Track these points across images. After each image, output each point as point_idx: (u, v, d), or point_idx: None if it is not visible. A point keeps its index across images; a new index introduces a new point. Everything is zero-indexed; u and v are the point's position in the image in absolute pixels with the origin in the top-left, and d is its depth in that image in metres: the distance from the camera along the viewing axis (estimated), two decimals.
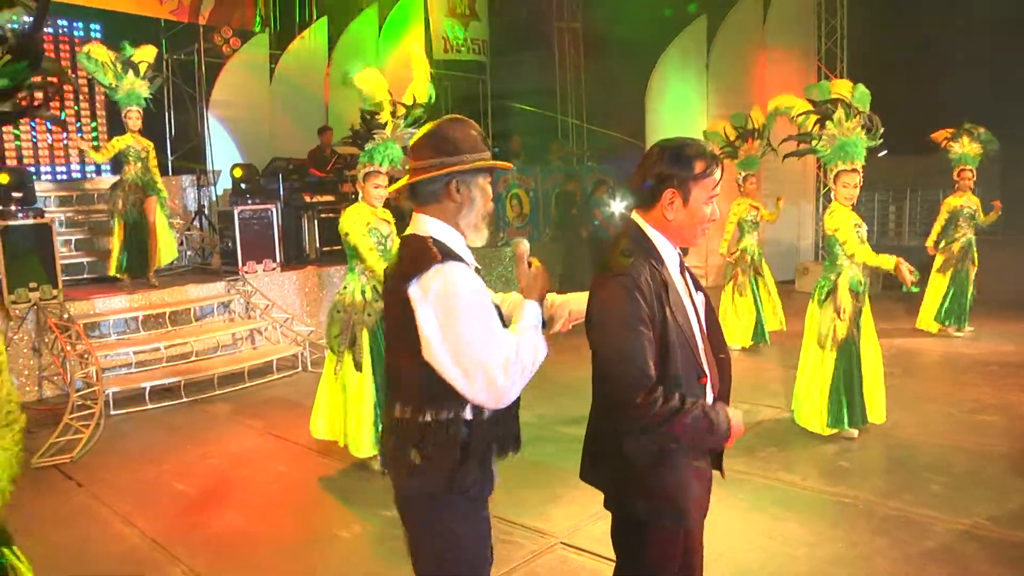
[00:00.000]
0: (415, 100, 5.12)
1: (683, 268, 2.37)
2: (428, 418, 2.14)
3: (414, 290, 2.09)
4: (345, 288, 5.02)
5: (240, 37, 11.26)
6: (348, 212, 4.97)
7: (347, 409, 4.99)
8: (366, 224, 4.89)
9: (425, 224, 2.22)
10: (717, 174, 2.26)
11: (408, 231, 2.27)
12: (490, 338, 2.07)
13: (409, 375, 2.16)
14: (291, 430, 5.96)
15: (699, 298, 2.39)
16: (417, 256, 2.13)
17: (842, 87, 5.46)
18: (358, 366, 4.91)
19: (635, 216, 2.33)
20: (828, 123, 5.27)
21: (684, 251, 2.49)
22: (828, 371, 5.32)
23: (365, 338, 4.91)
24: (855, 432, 5.36)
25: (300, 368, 7.89)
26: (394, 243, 5.14)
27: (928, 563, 3.63)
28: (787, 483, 4.46)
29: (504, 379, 2.04)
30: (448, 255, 2.12)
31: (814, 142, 5.36)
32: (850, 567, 3.61)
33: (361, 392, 4.91)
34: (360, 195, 5.04)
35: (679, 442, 2.21)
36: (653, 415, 2.11)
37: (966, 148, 8.46)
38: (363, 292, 4.96)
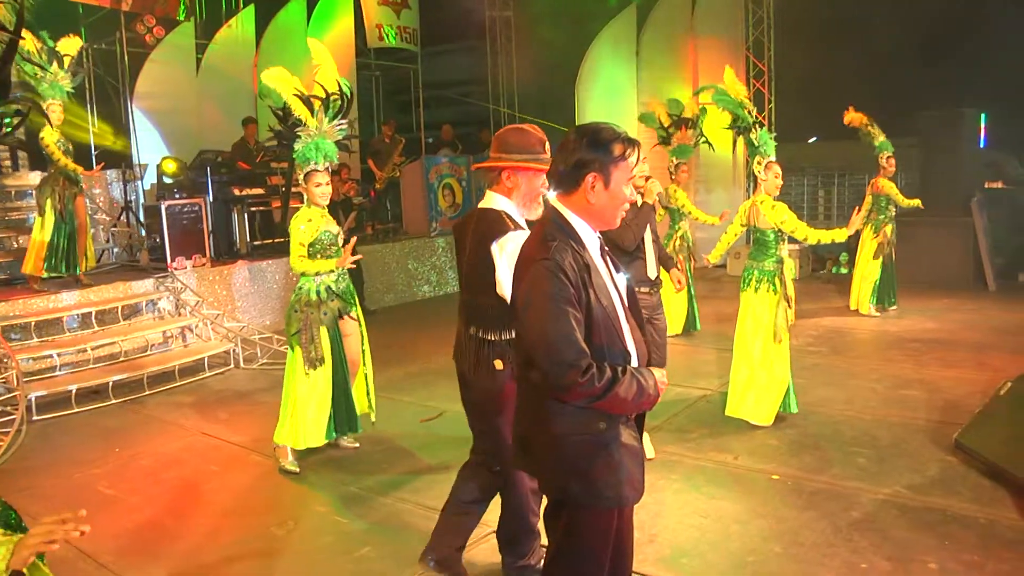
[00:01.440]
0: (327, 92, 4.98)
1: (603, 251, 2.40)
2: (497, 337, 3.12)
3: (494, 248, 2.99)
4: (300, 288, 5.03)
5: (164, 26, 10.93)
6: (295, 216, 4.95)
7: (294, 403, 4.96)
8: (316, 228, 4.90)
9: (495, 201, 3.13)
10: (634, 157, 2.30)
11: (483, 205, 3.18)
12: None
13: (486, 307, 3.10)
14: (224, 428, 5.85)
15: (620, 279, 2.42)
16: (496, 224, 3.05)
17: (736, 87, 5.63)
18: (311, 363, 4.92)
19: (555, 201, 2.36)
20: (749, 133, 5.40)
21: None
22: (786, 361, 5.38)
23: (324, 335, 4.96)
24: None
25: (232, 365, 7.72)
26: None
27: (853, 533, 3.76)
28: (719, 463, 4.56)
29: None
30: (517, 225, 3.04)
31: (752, 135, 5.41)
32: (780, 541, 3.72)
33: (317, 385, 4.94)
34: (306, 199, 4.96)
35: (616, 411, 2.25)
36: (591, 391, 2.15)
37: (882, 136, 8.73)
38: (318, 292, 4.98)
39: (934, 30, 13.58)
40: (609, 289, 2.32)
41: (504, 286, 2.95)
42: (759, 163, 5.35)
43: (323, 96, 4.96)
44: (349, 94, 5.09)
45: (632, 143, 2.30)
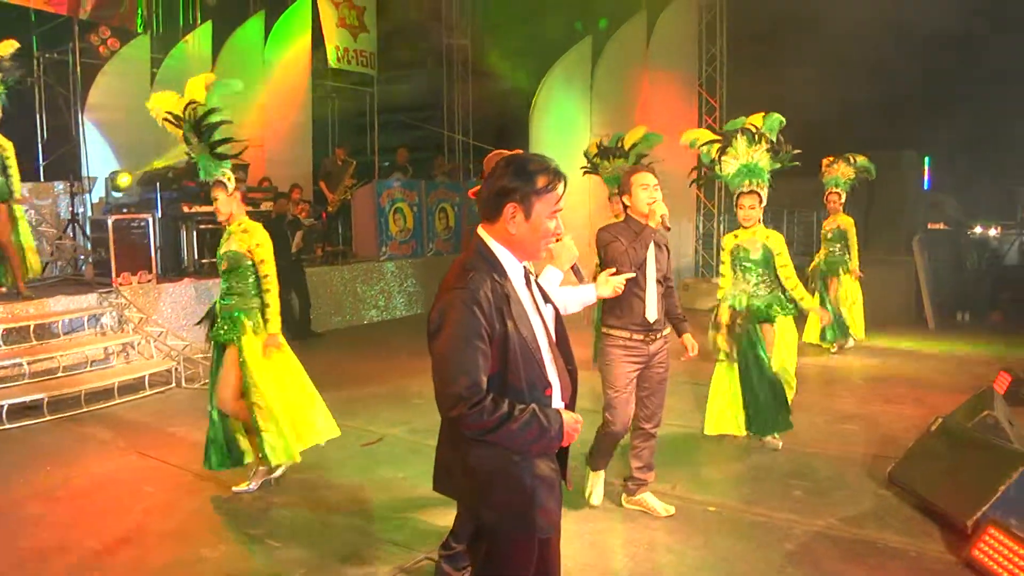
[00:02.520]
0: (181, 114, 4.84)
1: (528, 281, 2.40)
2: None
3: None
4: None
5: (119, 38, 10.79)
6: None
7: None
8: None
9: None
10: (560, 189, 2.30)
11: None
12: None
13: None
14: (162, 448, 5.72)
15: (547, 310, 2.42)
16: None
17: (756, 119, 5.68)
18: None
19: (480, 230, 2.36)
20: (729, 150, 5.51)
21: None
22: (718, 379, 5.58)
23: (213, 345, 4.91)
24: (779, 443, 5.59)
25: (174, 384, 7.57)
26: (255, 263, 4.82)
27: (786, 564, 3.80)
28: (657, 492, 4.53)
29: None
30: None
31: (716, 168, 5.61)
32: (713, 571, 3.74)
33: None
34: None
35: (514, 448, 2.24)
36: (480, 424, 2.15)
37: (836, 172, 8.90)
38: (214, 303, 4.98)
39: (884, 74, 14.02)
40: (531, 320, 2.31)
41: None
42: (734, 194, 5.62)
43: (181, 118, 4.85)
44: (206, 107, 4.82)
45: (559, 176, 2.30)
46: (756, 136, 5.47)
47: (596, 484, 4.55)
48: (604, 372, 4.26)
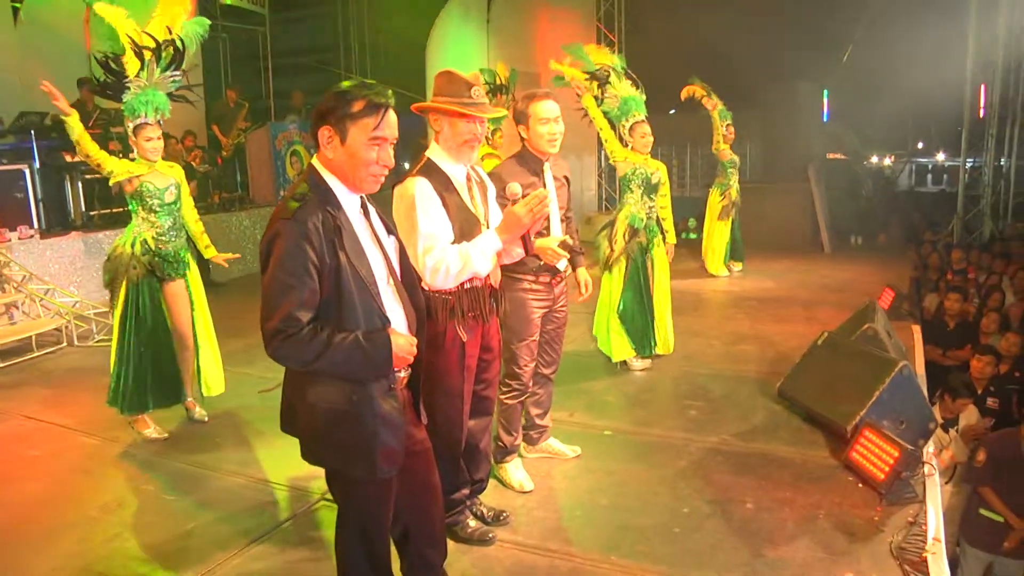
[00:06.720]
0: (158, 41, 4.65)
1: (366, 212, 2.34)
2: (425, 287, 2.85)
3: (396, 189, 2.98)
4: (121, 239, 4.82)
5: None
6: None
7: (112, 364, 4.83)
8: (135, 176, 4.70)
9: (431, 146, 3.07)
10: (379, 116, 2.22)
11: None
12: (430, 232, 2.86)
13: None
14: (50, 410, 5.45)
15: (390, 243, 2.38)
16: (411, 168, 3.03)
17: (600, 54, 5.83)
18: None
19: (313, 159, 2.30)
20: (607, 86, 5.64)
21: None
22: (615, 302, 5.66)
23: (123, 290, 4.74)
24: (648, 362, 5.80)
25: (65, 343, 7.24)
26: (181, 196, 4.93)
27: (679, 480, 3.93)
28: (554, 420, 4.56)
29: (427, 267, 2.85)
30: (426, 171, 2.97)
31: (603, 105, 5.71)
32: (607, 493, 3.82)
33: (124, 346, 4.77)
34: (135, 151, 4.73)
35: (344, 377, 2.22)
36: (297, 356, 2.13)
37: (722, 105, 9.04)
38: (132, 244, 4.77)
39: (783, 6, 14.20)
40: (367, 251, 2.26)
41: (406, 231, 2.88)
42: (624, 126, 5.65)
43: (153, 46, 4.65)
44: (182, 45, 4.77)
45: (380, 104, 2.21)
46: (619, 73, 5.66)
47: (517, 470, 3.95)
48: (509, 322, 3.70)
